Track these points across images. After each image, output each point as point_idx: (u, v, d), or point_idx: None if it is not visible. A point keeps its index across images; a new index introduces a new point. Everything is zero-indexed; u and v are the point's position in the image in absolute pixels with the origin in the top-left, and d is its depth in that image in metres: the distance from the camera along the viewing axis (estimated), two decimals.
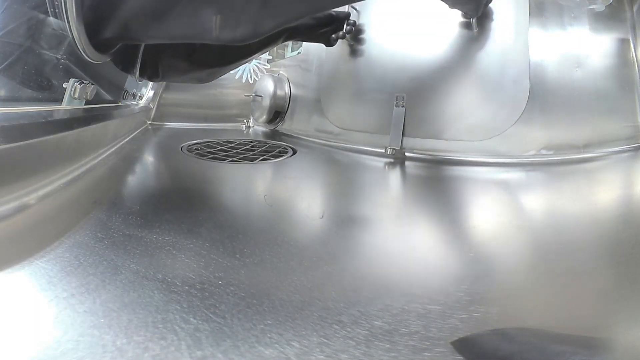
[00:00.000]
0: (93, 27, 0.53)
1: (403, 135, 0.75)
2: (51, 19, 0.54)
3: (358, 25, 0.86)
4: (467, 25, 0.72)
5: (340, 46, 0.87)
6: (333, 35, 0.83)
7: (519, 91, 0.71)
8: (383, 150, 0.79)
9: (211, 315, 0.27)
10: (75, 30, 0.51)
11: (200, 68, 0.75)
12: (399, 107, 0.75)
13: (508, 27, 0.71)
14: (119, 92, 0.95)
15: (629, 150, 0.81)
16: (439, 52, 0.75)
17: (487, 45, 0.72)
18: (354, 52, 0.83)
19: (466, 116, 0.74)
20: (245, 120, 1.46)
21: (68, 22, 0.50)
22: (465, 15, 0.72)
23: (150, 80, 0.94)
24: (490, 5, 0.72)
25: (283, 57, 1.39)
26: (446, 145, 0.83)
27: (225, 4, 0.52)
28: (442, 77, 0.75)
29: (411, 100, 0.75)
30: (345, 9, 0.86)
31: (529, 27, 0.69)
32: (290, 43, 1.32)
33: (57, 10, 0.51)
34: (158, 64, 0.75)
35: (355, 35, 0.85)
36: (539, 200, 0.64)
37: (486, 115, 0.72)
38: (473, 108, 0.73)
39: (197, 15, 0.53)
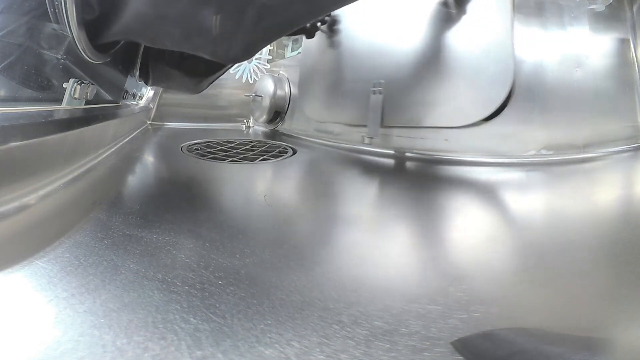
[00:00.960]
0: (94, 27, 0.53)
1: (381, 125, 0.70)
2: (51, 18, 0.54)
3: (333, 15, 0.82)
4: (445, 5, 0.67)
5: (318, 39, 0.84)
6: (308, 25, 0.78)
7: (500, 75, 0.65)
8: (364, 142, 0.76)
9: (211, 315, 0.27)
10: (74, 30, 0.51)
11: (189, 77, 0.75)
12: (376, 94, 0.70)
13: (489, 8, 0.65)
14: (119, 92, 0.95)
15: (629, 150, 0.81)
16: (417, 38, 0.70)
17: (466, 28, 0.67)
18: (331, 44, 0.80)
19: (445, 103, 0.70)
20: (245, 120, 1.46)
21: (68, 22, 0.50)
22: None
23: (146, 84, 0.94)
24: None
25: (283, 57, 1.39)
26: (446, 145, 0.83)
27: (224, 21, 0.53)
28: (421, 64, 0.70)
29: (389, 88, 0.71)
30: None
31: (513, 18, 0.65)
32: (290, 43, 1.32)
33: (56, 11, 0.51)
34: (149, 68, 0.75)
35: (331, 26, 0.82)
36: (539, 200, 0.64)
37: (465, 101, 0.68)
38: (452, 94, 0.69)
39: (197, 14, 0.53)
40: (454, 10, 0.65)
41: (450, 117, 0.69)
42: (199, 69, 0.74)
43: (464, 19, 0.65)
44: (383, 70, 0.71)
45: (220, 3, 0.50)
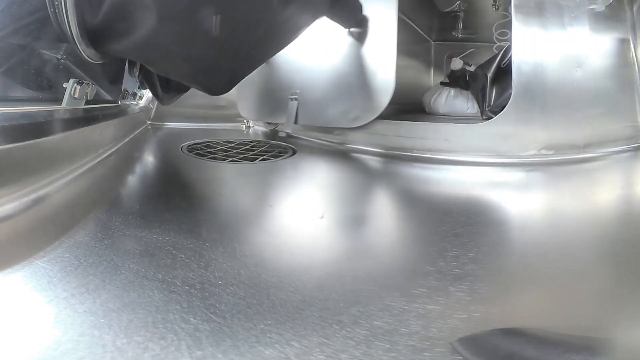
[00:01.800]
0: (99, 36, 0.53)
1: (296, 122, 0.92)
2: (51, 18, 0.54)
3: None
4: (350, 34, 0.88)
5: None
6: None
7: (384, 87, 0.84)
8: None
9: (211, 315, 0.27)
10: (74, 30, 0.51)
11: (167, 90, 0.78)
12: (292, 100, 0.92)
13: (380, 40, 0.85)
14: (119, 92, 0.94)
15: (629, 150, 0.81)
16: (326, 58, 0.91)
17: (364, 53, 0.86)
18: None
19: (344, 108, 0.89)
20: (245, 120, 1.46)
21: (68, 21, 0.50)
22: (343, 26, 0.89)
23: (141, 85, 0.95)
24: (367, 16, 0.86)
25: None
26: (447, 145, 0.83)
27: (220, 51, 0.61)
28: (328, 78, 0.90)
29: (303, 95, 0.92)
30: None
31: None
32: None
33: (56, 11, 0.51)
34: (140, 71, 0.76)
35: None
36: (539, 200, 0.64)
37: (359, 107, 0.87)
38: (349, 102, 0.88)
39: (197, 14, 0.53)
40: (356, 39, 0.86)
41: (348, 119, 0.88)
42: (180, 86, 0.80)
43: (362, 46, 0.87)
44: (299, 82, 0.93)
45: (227, 42, 0.59)
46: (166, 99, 0.81)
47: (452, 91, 1.31)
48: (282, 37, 0.70)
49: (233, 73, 0.68)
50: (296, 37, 0.73)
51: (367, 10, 0.86)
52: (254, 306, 0.29)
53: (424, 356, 0.24)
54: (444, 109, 1.31)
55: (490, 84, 0.95)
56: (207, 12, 0.53)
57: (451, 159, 0.82)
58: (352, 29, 0.87)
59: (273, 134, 1.16)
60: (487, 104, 0.96)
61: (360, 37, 0.86)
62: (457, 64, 1.39)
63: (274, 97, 0.98)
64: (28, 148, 0.42)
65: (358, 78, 0.86)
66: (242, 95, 1.11)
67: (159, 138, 1.12)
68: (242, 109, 1.09)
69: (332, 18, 0.83)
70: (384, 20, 0.85)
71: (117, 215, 0.45)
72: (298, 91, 0.92)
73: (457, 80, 1.34)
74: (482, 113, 1.02)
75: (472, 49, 1.58)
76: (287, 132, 0.92)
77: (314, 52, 0.90)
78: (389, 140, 0.90)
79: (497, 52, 1.26)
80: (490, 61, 0.99)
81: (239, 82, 0.69)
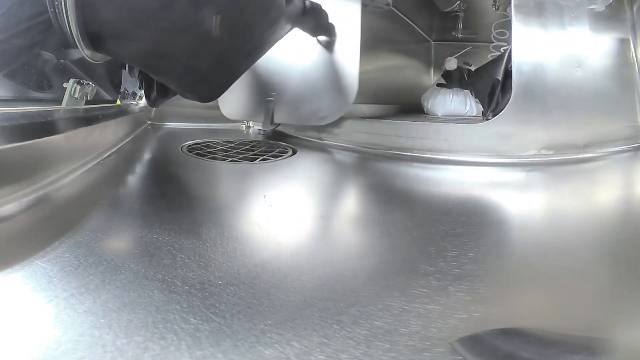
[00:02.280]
0: (100, 39, 0.54)
1: (271, 122, 1.03)
2: (51, 18, 0.53)
3: None
4: (319, 42, 0.98)
5: None
6: None
7: (348, 90, 0.92)
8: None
9: (211, 315, 0.27)
10: (74, 30, 0.51)
11: (164, 94, 0.79)
12: (269, 101, 1.03)
13: (346, 48, 0.94)
14: (119, 92, 0.94)
15: (629, 150, 0.81)
16: (299, 63, 1.00)
17: (332, 59, 0.96)
18: None
19: (313, 108, 0.98)
20: (245, 121, 1.46)
21: (68, 21, 0.50)
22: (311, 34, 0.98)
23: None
24: (333, 25, 0.95)
25: None
26: (447, 145, 0.83)
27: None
28: (300, 81, 1.00)
29: (278, 97, 1.03)
30: None
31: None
32: None
33: (56, 11, 0.51)
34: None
35: None
36: (539, 200, 0.64)
37: (326, 107, 0.95)
38: (318, 102, 0.97)
39: (198, 14, 0.54)
40: (324, 47, 0.96)
41: (317, 118, 0.96)
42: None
43: (330, 54, 0.96)
44: (275, 85, 1.03)
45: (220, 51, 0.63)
46: (157, 102, 0.82)
47: (451, 93, 1.31)
48: (267, 46, 0.77)
49: (226, 80, 0.73)
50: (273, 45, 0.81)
51: (334, 21, 0.96)
52: (254, 306, 0.29)
53: (424, 356, 0.24)
54: (443, 110, 1.31)
55: (501, 87, 0.95)
56: (210, 23, 0.55)
57: (451, 159, 0.82)
58: (319, 38, 0.97)
59: (273, 134, 1.16)
60: (494, 106, 0.96)
61: (328, 46, 0.97)
62: (452, 64, 1.38)
63: (253, 99, 1.09)
64: (28, 148, 0.43)
65: (326, 82, 0.96)
66: (224, 96, 1.20)
67: (159, 138, 1.12)
68: (223, 109, 1.19)
69: (301, 28, 0.91)
70: (348, 30, 0.94)
71: (117, 215, 0.45)
72: (274, 93, 1.02)
73: (454, 80, 1.33)
74: (484, 114, 1.02)
75: (469, 48, 1.58)
76: (264, 131, 1.06)
77: (288, 59, 1.01)
78: (389, 140, 0.90)
79: (494, 51, 1.26)
80: (496, 63, 0.99)
81: (228, 88, 0.75)
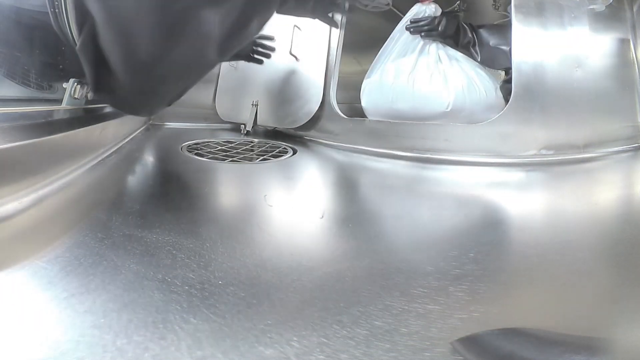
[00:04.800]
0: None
1: (255, 123, 1.19)
2: (51, 18, 0.54)
3: None
4: (291, 54, 1.12)
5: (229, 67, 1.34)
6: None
7: (315, 96, 1.04)
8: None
9: (211, 315, 0.27)
10: (74, 30, 0.51)
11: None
12: (253, 106, 1.20)
13: (315, 59, 1.07)
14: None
15: (629, 150, 0.81)
16: (277, 72, 1.15)
17: (302, 69, 1.10)
18: (234, 70, 1.31)
19: (287, 112, 1.12)
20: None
21: (68, 21, 0.50)
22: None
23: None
24: (308, 35, 1.08)
25: None
26: (447, 145, 0.83)
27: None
28: (277, 89, 1.16)
29: (260, 102, 1.20)
30: None
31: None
32: None
33: (56, 11, 0.51)
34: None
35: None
36: (539, 200, 0.64)
37: (297, 112, 1.08)
38: (290, 107, 1.11)
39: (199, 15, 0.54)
40: (297, 58, 1.11)
41: (288, 122, 1.10)
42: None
43: (301, 63, 1.11)
44: (259, 92, 1.21)
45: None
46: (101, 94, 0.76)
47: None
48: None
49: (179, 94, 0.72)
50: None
51: (306, 37, 1.09)
52: (254, 306, 0.29)
53: (424, 356, 0.24)
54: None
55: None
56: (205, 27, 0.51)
57: (451, 159, 0.82)
58: (292, 53, 1.11)
59: (273, 134, 1.16)
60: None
61: (299, 59, 1.11)
62: (431, 9, 0.94)
63: (240, 103, 1.26)
64: (28, 148, 0.42)
65: (296, 91, 1.10)
66: (219, 99, 1.38)
67: (159, 138, 1.12)
68: (218, 109, 1.35)
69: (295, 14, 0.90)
70: (317, 45, 1.06)
71: (117, 215, 0.45)
72: (257, 99, 1.20)
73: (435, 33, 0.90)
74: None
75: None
76: (247, 132, 1.19)
77: (269, 70, 1.16)
78: (389, 140, 0.90)
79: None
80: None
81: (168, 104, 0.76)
